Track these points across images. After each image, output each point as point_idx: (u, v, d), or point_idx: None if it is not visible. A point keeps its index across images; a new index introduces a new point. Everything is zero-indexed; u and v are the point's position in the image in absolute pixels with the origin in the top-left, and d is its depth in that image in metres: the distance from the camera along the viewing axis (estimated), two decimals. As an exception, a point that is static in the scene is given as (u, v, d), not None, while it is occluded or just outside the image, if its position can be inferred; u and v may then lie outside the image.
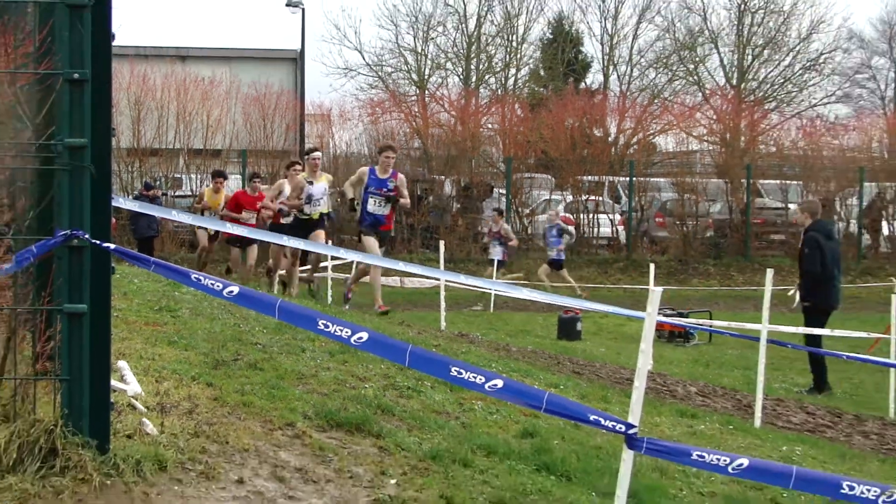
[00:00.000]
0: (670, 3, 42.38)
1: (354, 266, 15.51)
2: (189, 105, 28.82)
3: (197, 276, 4.20)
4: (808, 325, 11.49)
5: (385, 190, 13.07)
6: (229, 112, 29.19)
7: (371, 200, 13.06)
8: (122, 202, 14.26)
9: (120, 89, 25.53)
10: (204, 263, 17.98)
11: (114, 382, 4.50)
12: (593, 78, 42.90)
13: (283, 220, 14.63)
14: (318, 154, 15.11)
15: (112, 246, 3.97)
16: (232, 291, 4.15)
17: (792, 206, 27.07)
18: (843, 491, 3.97)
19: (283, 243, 12.89)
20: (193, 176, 27.98)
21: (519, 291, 12.80)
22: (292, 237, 12.48)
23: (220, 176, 18.21)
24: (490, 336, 13.67)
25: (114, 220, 5.84)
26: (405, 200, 14.07)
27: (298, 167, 15.22)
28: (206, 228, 17.08)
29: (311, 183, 14.05)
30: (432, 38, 41.54)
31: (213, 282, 4.18)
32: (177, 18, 63.59)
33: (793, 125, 36.79)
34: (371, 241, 13.04)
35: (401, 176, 13.68)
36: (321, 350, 7.20)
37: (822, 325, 11.88)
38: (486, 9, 41.12)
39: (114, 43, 3.91)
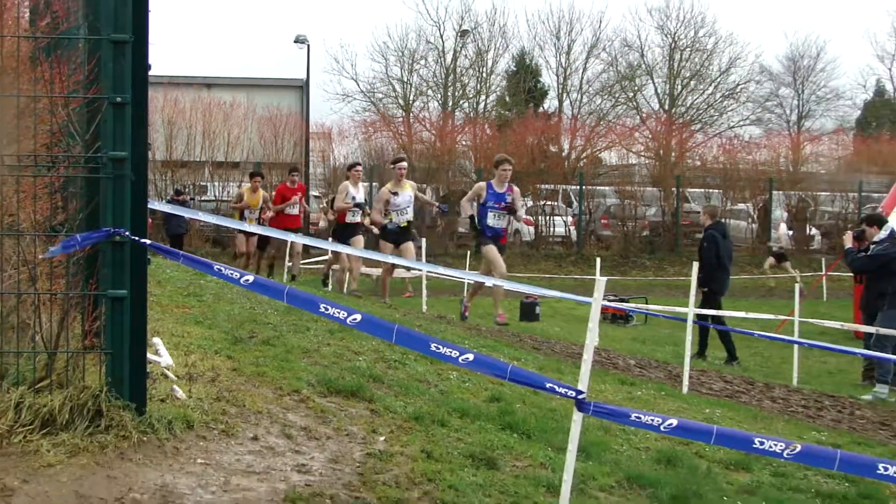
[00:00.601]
0: (614, 42, 42.65)
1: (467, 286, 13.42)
2: (213, 124, 28.93)
3: (219, 266, 4.11)
4: (703, 306, 11.49)
5: (504, 204, 11.29)
6: (246, 130, 29.24)
7: (491, 214, 11.26)
8: (157, 205, 13.24)
9: (155, 111, 25.42)
10: (245, 267, 15.58)
11: (149, 356, 4.41)
12: (550, 103, 43.20)
13: (383, 226, 12.43)
14: (404, 164, 12.87)
15: (148, 241, 3.90)
16: (248, 280, 4.06)
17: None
18: (754, 445, 3.85)
19: (380, 258, 11.25)
20: (216, 183, 27.89)
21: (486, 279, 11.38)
22: (379, 249, 11.60)
23: (257, 175, 16.64)
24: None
25: (150, 220, 5.69)
26: (521, 213, 12.26)
27: (359, 168, 13.58)
28: (243, 233, 15.83)
29: (395, 193, 12.06)
30: (416, 70, 41.48)
31: (232, 272, 4.10)
32: (204, 51, 62.99)
33: (714, 143, 37.01)
34: (493, 252, 11.24)
35: (516, 189, 11.67)
36: (322, 329, 6.92)
37: (718, 307, 11.97)
38: (460, 45, 41.50)
39: (150, 72, 3.87)
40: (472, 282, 13.94)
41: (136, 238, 3.80)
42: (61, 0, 4.04)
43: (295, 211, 15.74)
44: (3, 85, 3.90)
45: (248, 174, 17.34)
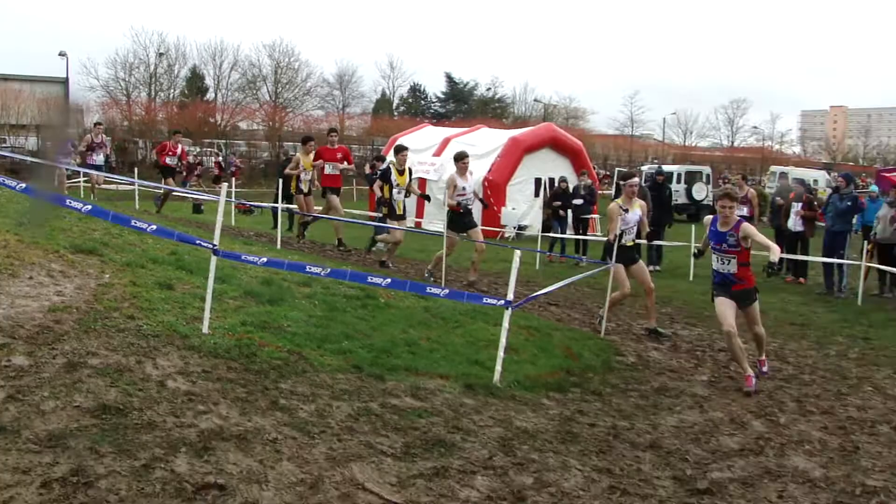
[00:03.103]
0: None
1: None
2: (7, 101, 43.12)
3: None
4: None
5: (725, 245, 8.27)
6: (30, 105, 42.48)
7: (714, 257, 8.41)
8: None
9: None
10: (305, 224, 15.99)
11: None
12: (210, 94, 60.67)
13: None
14: (635, 181, 10.79)
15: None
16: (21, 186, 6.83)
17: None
18: (307, 270, 7.22)
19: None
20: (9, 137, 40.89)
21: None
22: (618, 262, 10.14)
23: (310, 140, 15.83)
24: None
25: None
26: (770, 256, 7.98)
27: (467, 160, 12.81)
28: (301, 192, 15.16)
29: (626, 210, 10.30)
30: (132, 73, 58.18)
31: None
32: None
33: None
34: (722, 305, 8.21)
35: (746, 226, 8.24)
36: (75, 218, 8.73)
37: None
38: (158, 62, 58.64)
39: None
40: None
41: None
42: None
43: (335, 171, 15.33)
44: None
45: (301, 140, 16.85)
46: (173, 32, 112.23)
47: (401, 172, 13.52)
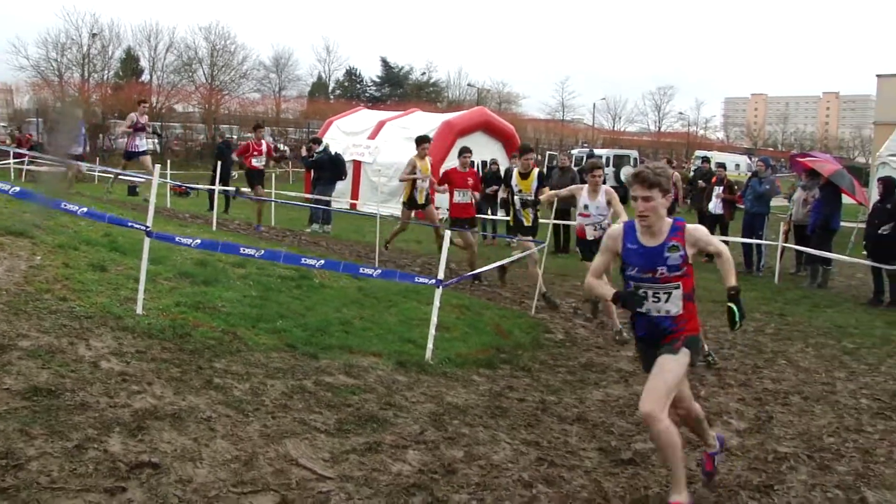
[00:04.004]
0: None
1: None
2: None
3: None
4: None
5: (663, 271, 4.68)
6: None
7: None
8: None
9: None
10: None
11: None
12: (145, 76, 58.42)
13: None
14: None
15: None
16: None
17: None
18: (241, 251, 7.19)
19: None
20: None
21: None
22: None
23: (425, 141, 12.86)
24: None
25: None
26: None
27: (600, 173, 9.51)
28: (416, 205, 12.93)
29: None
30: (65, 54, 55.67)
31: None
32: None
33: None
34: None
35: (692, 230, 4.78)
36: (3, 199, 8.74)
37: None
38: (91, 42, 56.37)
39: None
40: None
41: None
42: None
43: (466, 199, 12.15)
44: None
45: (415, 140, 12.99)
46: (107, 13, 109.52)
47: (524, 176, 10.82)
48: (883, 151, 21.38)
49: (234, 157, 16.59)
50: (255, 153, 15.39)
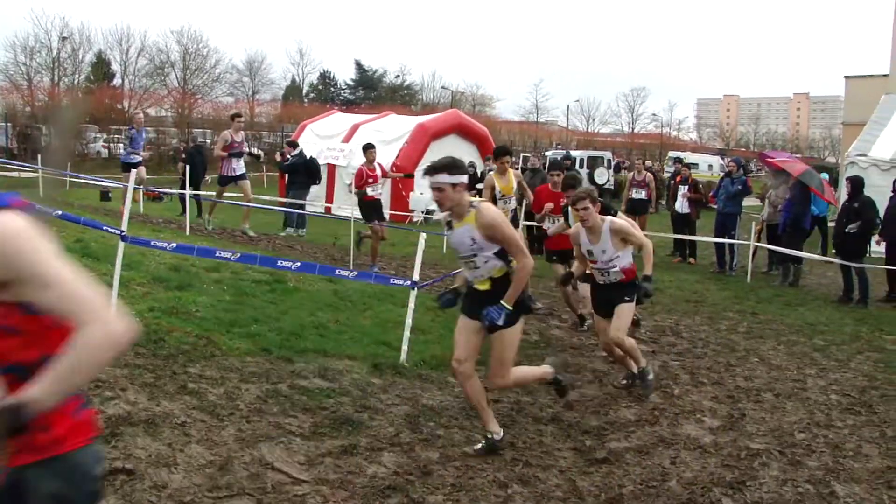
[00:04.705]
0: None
1: None
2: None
3: None
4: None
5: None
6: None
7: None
8: None
9: None
10: None
11: None
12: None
13: None
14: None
15: None
16: None
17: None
18: (217, 255, 7.27)
19: None
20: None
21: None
22: None
23: (505, 154, 10.36)
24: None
25: None
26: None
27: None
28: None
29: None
30: (34, 58, 54.25)
31: None
32: None
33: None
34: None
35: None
36: None
37: None
38: (60, 46, 54.92)
39: None
40: None
41: None
42: None
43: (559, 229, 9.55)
44: None
45: (494, 153, 10.91)
46: (77, 17, 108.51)
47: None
48: (851, 151, 21.64)
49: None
50: (371, 180, 12.82)
